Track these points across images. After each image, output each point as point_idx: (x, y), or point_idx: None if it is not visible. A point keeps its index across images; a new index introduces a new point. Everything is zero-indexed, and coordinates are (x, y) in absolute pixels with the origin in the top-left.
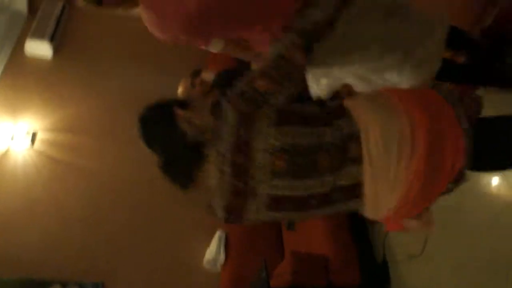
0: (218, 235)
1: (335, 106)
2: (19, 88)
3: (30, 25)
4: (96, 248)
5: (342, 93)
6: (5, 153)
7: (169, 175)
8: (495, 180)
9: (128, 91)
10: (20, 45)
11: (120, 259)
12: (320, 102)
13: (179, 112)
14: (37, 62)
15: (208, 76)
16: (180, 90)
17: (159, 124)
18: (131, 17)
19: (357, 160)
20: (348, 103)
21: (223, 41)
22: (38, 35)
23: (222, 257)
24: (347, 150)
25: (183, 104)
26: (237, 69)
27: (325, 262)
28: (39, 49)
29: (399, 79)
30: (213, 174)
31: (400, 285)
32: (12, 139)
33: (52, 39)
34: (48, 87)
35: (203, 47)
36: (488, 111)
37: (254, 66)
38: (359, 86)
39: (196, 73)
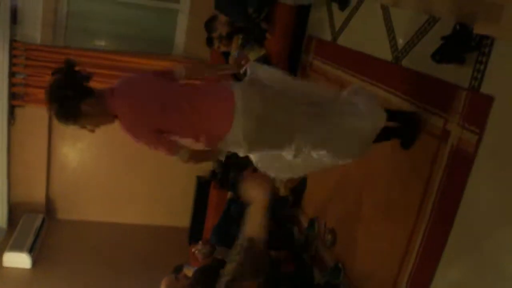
0: None
1: None
2: None
3: (9, 238)
4: None
5: None
6: None
7: None
8: None
9: None
10: None
11: None
12: None
13: None
14: (15, 274)
15: (190, 272)
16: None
17: None
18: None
19: None
20: None
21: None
22: (17, 247)
23: None
24: None
25: None
26: (212, 265)
27: None
28: (17, 261)
29: None
30: None
31: None
32: None
33: (31, 251)
34: None
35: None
36: None
37: None
38: None
39: (179, 269)
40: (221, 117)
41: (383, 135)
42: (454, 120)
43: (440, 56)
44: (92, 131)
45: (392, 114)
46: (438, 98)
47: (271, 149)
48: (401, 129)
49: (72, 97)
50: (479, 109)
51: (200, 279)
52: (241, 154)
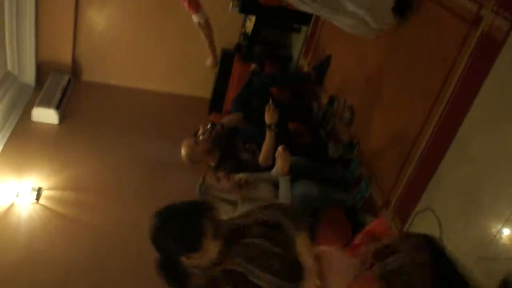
0: None
1: None
2: (25, 151)
3: (37, 96)
4: None
5: None
6: (10, 208)
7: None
8: None
9: (129, 155)
10: (27, 113)
11: None
12: None
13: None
14: (43, 128)
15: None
16: (183, 151)
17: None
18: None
19: None
20: None
21: None
22: (45, 103)
23: None
24: None
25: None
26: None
27: None
28: (45, 116)
29: None
30: None
31: None
32: (17, 195)
33: (58, 108)
34: (53, 150)
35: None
36: None
37: None
38: None
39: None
40: None
41: None
42: (488, 6)
43: None
44: None
45: None
46: None
47: None
48: None
49: None
50: None
51: (218, 143)
52: None
